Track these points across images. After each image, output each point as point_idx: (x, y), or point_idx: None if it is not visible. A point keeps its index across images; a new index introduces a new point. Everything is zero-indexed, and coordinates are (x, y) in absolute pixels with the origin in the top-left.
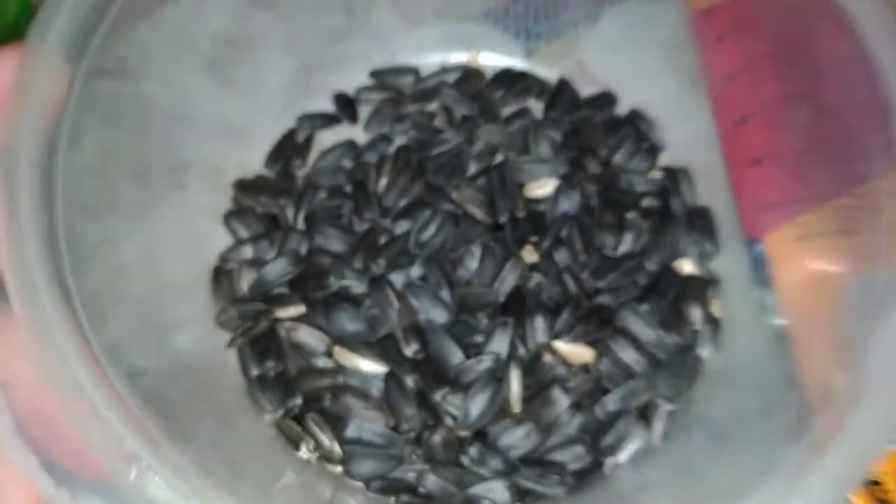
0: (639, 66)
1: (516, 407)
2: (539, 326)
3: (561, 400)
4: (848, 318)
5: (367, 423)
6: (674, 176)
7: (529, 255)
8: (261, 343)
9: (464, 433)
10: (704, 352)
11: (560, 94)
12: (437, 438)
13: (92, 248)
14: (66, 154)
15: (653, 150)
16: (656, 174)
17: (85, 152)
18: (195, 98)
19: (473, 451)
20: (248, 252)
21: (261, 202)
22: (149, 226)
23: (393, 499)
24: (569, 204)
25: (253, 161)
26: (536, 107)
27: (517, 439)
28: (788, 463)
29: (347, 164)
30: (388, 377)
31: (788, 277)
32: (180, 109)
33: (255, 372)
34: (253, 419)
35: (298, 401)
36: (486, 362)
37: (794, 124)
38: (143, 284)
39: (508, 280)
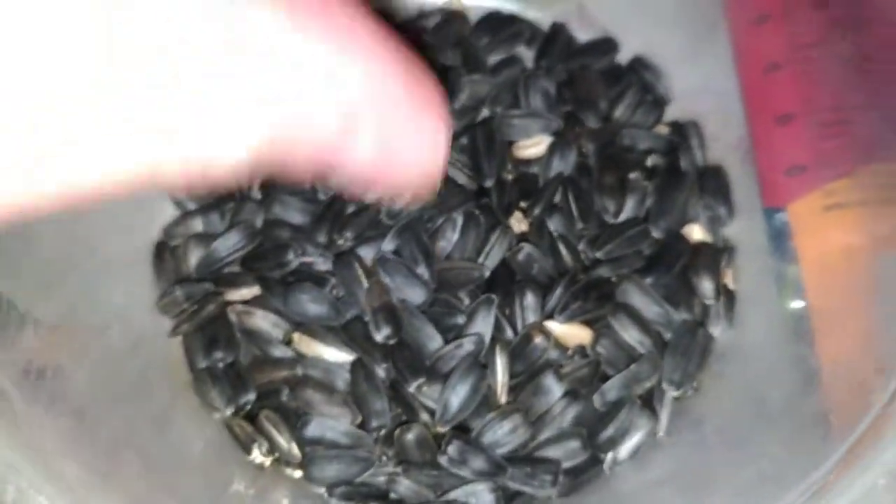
0: (643, 8)
1: (502, 398)
2: (529, 304)
3: (554, 388)
4: (878, 298)
5: (330, 421)
6: (682, 131)
7: (519, 223)
8: (209, 330)
9: (442, 429)
10: (716, 330)
11: (554, 41)
12: (410, 436)
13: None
14: None
15: (658, 103)
16: (663, 129)
17: None
18: None
19: (453, 449)
20: (195, 225)
21: None
22: None
23: None
24: (563, 164)
25: None
26: (527, 55)
27: (503, 435)
28: (809, 458)
29: None
30: (356, 366)
31: (813, 252)
32: None
33: (202, 363)
34: (197, 420)
35: (251, 396)
36: (467, 347)
37: (835, 73)
38: (70, 266)
39: (494, 253)
